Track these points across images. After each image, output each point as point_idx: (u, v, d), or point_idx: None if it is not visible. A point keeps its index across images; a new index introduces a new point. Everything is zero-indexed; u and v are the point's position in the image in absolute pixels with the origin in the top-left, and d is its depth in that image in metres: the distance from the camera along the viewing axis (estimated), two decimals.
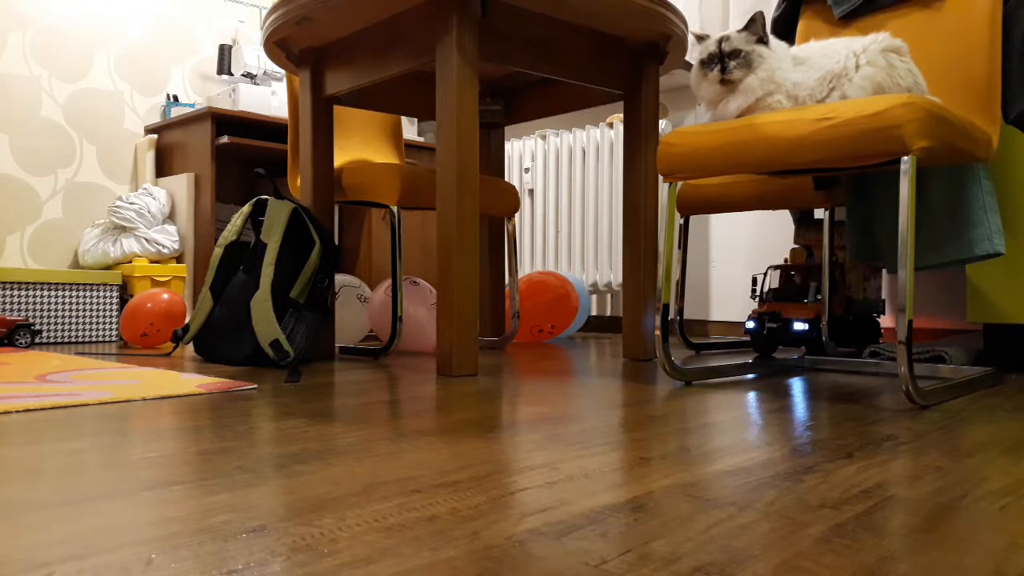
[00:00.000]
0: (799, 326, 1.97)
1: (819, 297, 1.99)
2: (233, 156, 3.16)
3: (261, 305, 1.84)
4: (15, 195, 2.91)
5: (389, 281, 2.31)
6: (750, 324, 2.04)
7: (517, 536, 0.59)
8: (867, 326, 2.20)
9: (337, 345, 2.30)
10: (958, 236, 1.75)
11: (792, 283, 2.08)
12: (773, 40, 1.47)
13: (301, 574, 0.51)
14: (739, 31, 1.46)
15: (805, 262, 2.13)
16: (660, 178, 2.52)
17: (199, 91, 3.38)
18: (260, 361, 1.84)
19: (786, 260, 2.19)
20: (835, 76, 1.42)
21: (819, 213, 2.66)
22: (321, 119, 2.10)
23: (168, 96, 3.28)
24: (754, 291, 2.20)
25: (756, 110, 1.45)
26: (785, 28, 2.06)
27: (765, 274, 2.20)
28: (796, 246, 2.22)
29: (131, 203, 2.81)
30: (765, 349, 2.09)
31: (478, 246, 1.75)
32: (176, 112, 3.13)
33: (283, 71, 3.01)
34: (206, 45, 3.41)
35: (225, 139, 2.86)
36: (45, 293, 2.51)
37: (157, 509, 0.65)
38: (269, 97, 3.05)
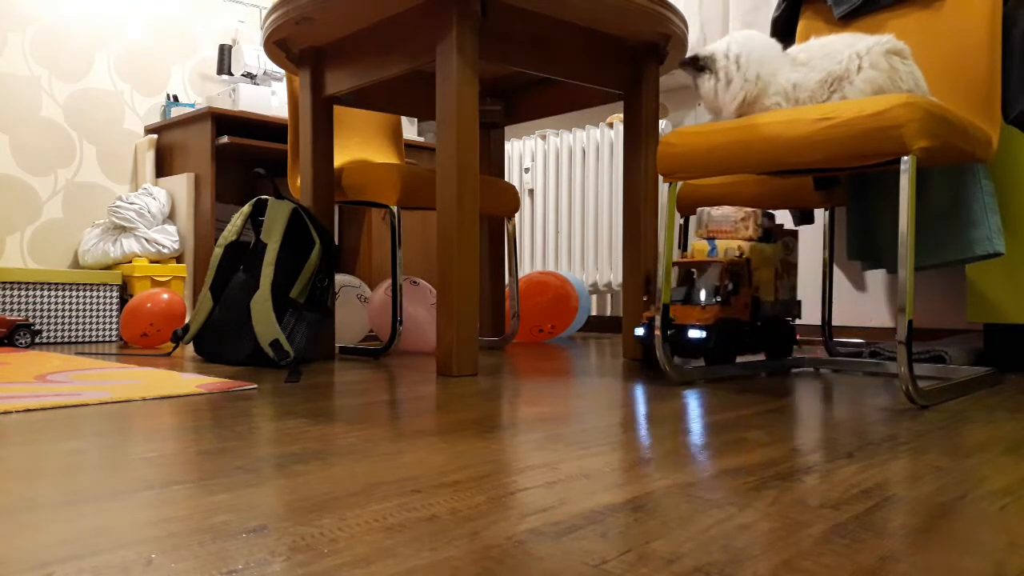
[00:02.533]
0: (694, 334, 1.66)
1: (718, 299, 1.69)
2: (233, 156, 3.17)
3: (261, 305, 1.84)
4: (15, 195, 2.91)
5: (389, 281, 2.31)
6: (638, 331, 1.75)
7: (517, 536, 0.59)
8: (779, 332, 1.88)
9: (337, 345, 2.30)
10: (958, 236, 1.75)
11: (690, 282, 1.77)
12: (751, 38, 1.47)
13: (301, 574, 0.51)
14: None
15: (707, 258, 1.83)
16: (660, 178, 2.52)
17: (199, 91, 3.38)
18: (260, 361, 1.84)
19: (685, 255, 1.88)
20: (836, 78, 1.42)
21: (819, 213, 2.67)
22: (321, 119, 2.10)
23: (168, 96, 3.28)
24: (647, 291, 1.91)
25: (754, 113, 1.45)
26: (785, 28, 2.06)
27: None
28: (698, 239, 1.91)
29: (131, 203, 2.81)
30: (656, 360, 1.79)
31: (478, 246, 1.75)
32: (176, 112, 3.13)
33: (283, 71, 3.01)
34: (206, 45, 3.41)
35: (225, 139, 2.85)
36: (45, 293, 2.51)
37: (157, 509, 0.65)
38: (269, 97, 3.05)
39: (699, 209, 1.88)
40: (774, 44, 1.47)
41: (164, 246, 2.82)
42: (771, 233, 1.90)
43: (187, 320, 2.32)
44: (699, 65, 1.46)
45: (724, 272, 1.73)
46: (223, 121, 2.92)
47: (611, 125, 3.12)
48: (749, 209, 1.79)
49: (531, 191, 3.37)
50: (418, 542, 0.57)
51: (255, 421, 1.08)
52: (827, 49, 1.45)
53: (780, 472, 0.80)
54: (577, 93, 2.35)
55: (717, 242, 1.84)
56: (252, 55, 3.16)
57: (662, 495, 0.71)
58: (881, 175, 1.96)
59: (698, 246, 1.87)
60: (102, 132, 3.12)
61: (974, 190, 1.74)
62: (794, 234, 1.97)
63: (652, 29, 1.94)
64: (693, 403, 1.28)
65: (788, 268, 1.94)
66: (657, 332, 1.54)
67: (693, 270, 1.78)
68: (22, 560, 0.53)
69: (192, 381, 1.48)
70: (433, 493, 0.71)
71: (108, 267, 2.82)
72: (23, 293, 2.48)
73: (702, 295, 1.71)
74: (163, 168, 3.13)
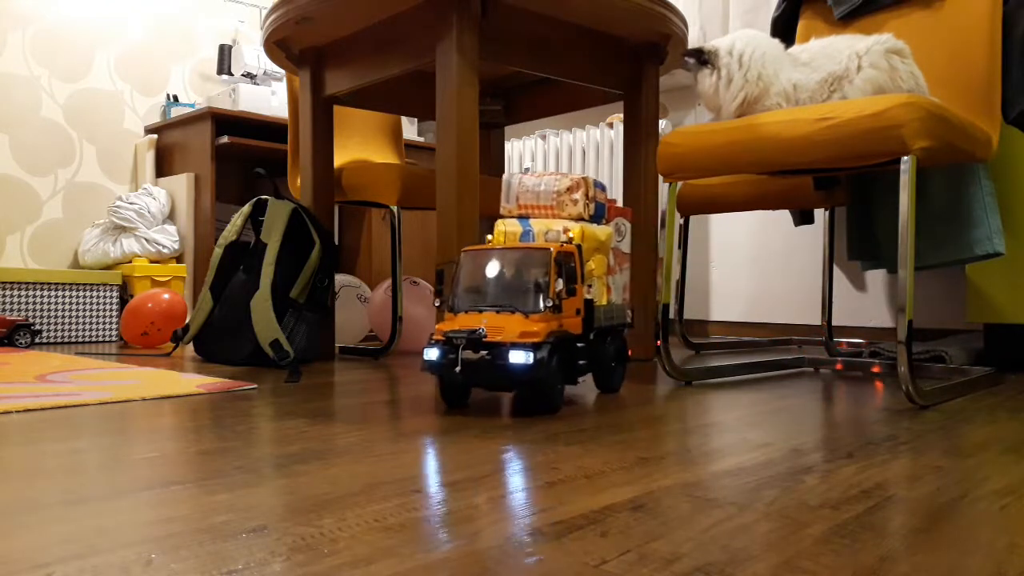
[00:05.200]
0: (518, 357, 1.10)
1: (549, 304, 1.15)
2: (233, 156, 3.16)
3: (261, 305, 1.84)
4: (15, 195, 2.91)
5: (389, 281, 2.31)
6: (431, 354, 1.16)
7: (517, 536, 0.59)
8: (611, 349, 1.37)
9: (337, 345, 2.30)
10: (958, 236, 1.75)
11: (504, 279, 1.20)
12: (753, 37, 1.47)
13: (301, 574, 0.51)
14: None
15: (521, 244, 1.28)
16: (660, 178, 2.53)
17: (199, 91, 3.38)
18: (260, 361, 1.84)
19: (490, 240, 1.35)
20: (836, 78, 1.42)
21: (819, 213, 2.67)
22: (321, 119, 2.10)
23: (168, 96, 3.28)
24: (439, 292, 1.29)
25: (754, 113, 1.45)
26: (785, 28, 2.06)
27: (457, 263, 1.26)
28: (504, 217, 1.39)
29: (131, 203, 2.81)
30: (455, 396, 1.22)
31: None
32: (176, 112, 3.13)
33: (283, 71, 3.01)
34: (206, 45, 3.40)
35: (225, 139, 2.85)
36: (45, 293, 2.51)
37: (157, 509, 0.65)
38: (269, 97, 3.05)
39: (506, 175, 1.39)
40: (777, 44, 1.47)
41: (164, 246, 2.82)
42: (603, 210, 1.41)
43: (187, 320, 2.32)
44: (702, 58, 1.46)
45: (554, 264, 1.18)
46: (223, 121, 2.92)
47: (611, 125, 3.12)
48: (577, 176, 1.35)
49: None
50: (418, 542, 0.57)
51: (255, 421, 1.08)
52: (828, 49, 1.45)
53: (780, 472, 0.80)
54: (577, 93, 2.35)
55: (532, 222, 1.34)
56: (252, 55, 3.15)
57: (662, 495, 0.71)
58: (881, 175, 1.96)
59: (504, 227, 1.35)
60: (102, 132, 3.12)
61: (974, 190, 1.74)
62: (625, 214, 1.50)
63: (652, 29, 1.94)
64: (692, 403, 1.28)
65: (620, 260, 1.46)
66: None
67: (503, 267, 1.21)
68: (22, 560, 0.53)
69: (192, 381, 1.48)
70: (433, 493, 0.71)
71: (108, 267, 2.82)
72: (23, 293, 2.48)
73: (532, 299, 1.16)
74: (163, 168, 3.13)
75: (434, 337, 1.17)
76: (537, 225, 1.34)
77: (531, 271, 1.19)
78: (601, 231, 1.37)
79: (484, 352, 1.12)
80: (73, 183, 3.04)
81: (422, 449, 0.90)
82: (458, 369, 1.13)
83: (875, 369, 1.79)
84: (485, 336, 1.13)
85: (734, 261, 2.99)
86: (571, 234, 1.28)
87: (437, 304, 1.27)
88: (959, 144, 1.35)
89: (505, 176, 1.40)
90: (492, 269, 1.22)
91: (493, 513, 0.65)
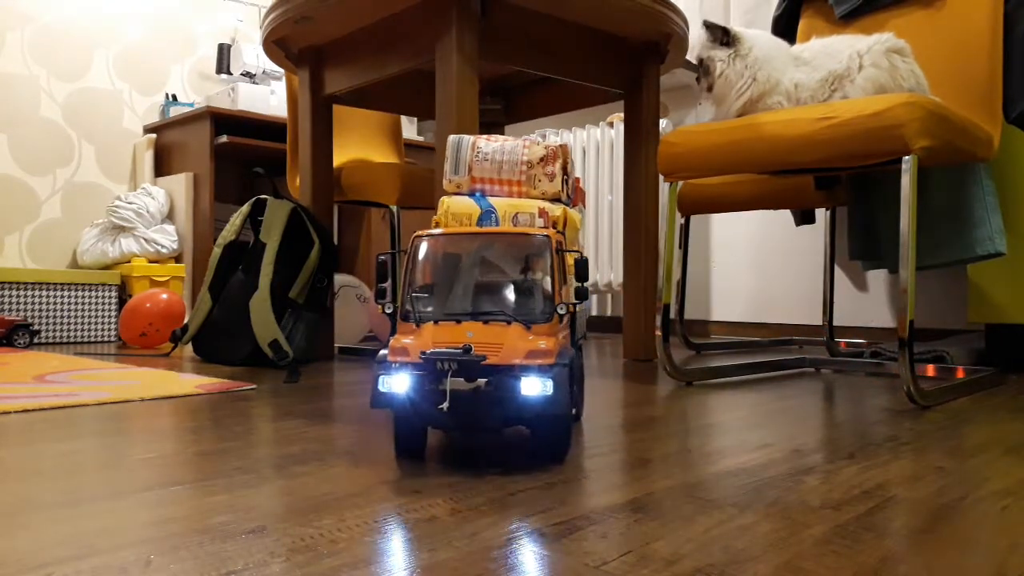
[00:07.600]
0: (531, 386, 0.78)
1: (562, 311, 0.84)
2: (232, 156, 3.16)
3: (260, 305, 1.83)
4: (13, 195, 2.90)
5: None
6: (397, 384, 0.80)
7: (517, 537, 0.59)
8: (575, 368, 1.00)
9: (336, 345, 2.30)
10: (959, 236, 1.75)
11: (488, 277, 0.88)
12: (759, 36, 1.46)
13: (300, 575, 0.51)
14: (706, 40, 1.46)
15: (479, 228, 1.01)
16: (661, 177, 2.52)
17: (198, 90, 3.38)
18: (259, 361, 1.83)
19: (437, 223, 1.04)
20: (837, 77, 1.41)
21: (820, 213, 2.66)
22: (320, 118, 2.09)
23: (167, 95, 3.27)
24: (382, 293, 0.93)
25: (755, 111, 1.45)
26: (786, 27, 2.06)
27: (409, 253, 0.91)
28: (451, 192, 1.08)
29: (130, 203, 2.80)
30: (417, 441, 0.86)
31: None
32: (175, 111, 3.13)
33: (282, 70, 3.00)
34: (205, 44, 3.40)
35: (224, 138, 2.85)
36: (43, 293, 2.51)
37: (156, 510, 0.65)
38: (268, 96, 3.05)
39: (452, 137, 1.08)
40: (781, 44, 1.47)
41: (163, 246, 2.82)
42: (572, 191, 1.14)
43: (186, 320, 2.32)
44: (726, 39, 1.43)
45: (556, 257, 0.87)
46: (222, 120, 2.92)
47: (611, 124, 3.12)
48: (553, 143, 1.06)
49: None
50: (418, 543, 0.57)
51: (254, 422, 1.08)
52: (829, 48, 1.45)
53: (781, 473, 0.80)
54: (577, 92, 2.35)
55: (494, 201, 1.04)
56: (251, 54, 3.15)
57: (663, 496, 0.70)
58: (883, 175, 1.95)
59: (455, 207, 1.04)
60: (101, 132, 3.12)
61: (975, 190, 1.73)
62: (583, 196, 1.31)
63: (653, 28, 1.93)
64: (693, 404, 1.28)
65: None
66: (658, 332, 1.54)
67: (477, 255, 0.89)
68: (21, 561, 0.53)
69: (191, 381, 1.48)
70: (433, 494, 0.71)
71: (107, 267, 2.81)
72: (21, 293, 2.47)
73: (534, 304, 0.85)
74: (162, 168, 3.13)
75: (391, 358, 0.81)
76: (501, 205, 1.03)
77: (523, 266, 0.87)
78: (577, 217, 1.10)
79: (483, 381, 0.79)
80: (72, 183, 3.04)
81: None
82: (445, 406, 0.78)
83: (877, 367, 1.79)
84: (478, 359, 0.78)
85: (735, 261, 2.99)
86: (552, 219, 1.00)
87: (388, 311, 0.90)
88: (960, 144, 1.35)
89: (452, 138, 1.07)
90: (467, 262, 0.89)
91: (493, 514, 0.64)
